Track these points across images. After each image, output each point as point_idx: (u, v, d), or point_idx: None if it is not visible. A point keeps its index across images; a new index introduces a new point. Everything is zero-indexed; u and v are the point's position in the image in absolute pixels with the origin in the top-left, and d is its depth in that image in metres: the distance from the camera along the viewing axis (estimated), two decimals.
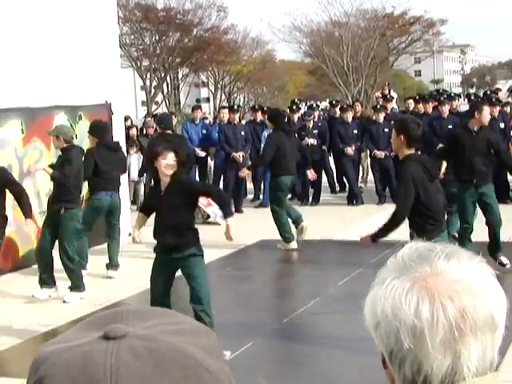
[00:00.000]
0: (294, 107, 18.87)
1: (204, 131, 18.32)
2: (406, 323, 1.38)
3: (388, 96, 20.17)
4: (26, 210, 9.54)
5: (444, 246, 1.45)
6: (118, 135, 13.87)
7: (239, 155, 17.15)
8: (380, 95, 22.08)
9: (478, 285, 1.40)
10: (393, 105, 19.57)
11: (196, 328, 1.18)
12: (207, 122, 19.23)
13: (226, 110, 18.35)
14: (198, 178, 18.42)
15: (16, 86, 11.68)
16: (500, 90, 25.95)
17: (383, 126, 17.06)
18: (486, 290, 1.40)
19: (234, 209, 16.00)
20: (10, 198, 11.46)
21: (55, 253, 9.97)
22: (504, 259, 10.55)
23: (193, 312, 7.28)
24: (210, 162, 18.51)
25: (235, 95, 62.96)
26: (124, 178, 14.31)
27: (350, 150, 17.27)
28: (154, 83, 53.96)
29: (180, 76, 61.23)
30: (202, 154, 18.14)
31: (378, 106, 17.98)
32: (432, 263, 1.42)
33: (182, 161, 7.48)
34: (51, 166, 10.33)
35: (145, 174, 17.90)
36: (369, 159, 18.19)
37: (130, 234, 13.27)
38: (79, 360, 1.09)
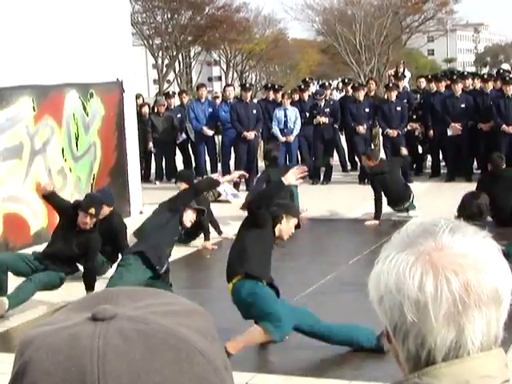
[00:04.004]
0: (303, 86, 18.89)
1: (210, 110, 18.23)
2: (409, 297, 1.38)
3: (400, 74, 20.07)
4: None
5: (449, 221, 1.45)
6: (130, 113, 13.85)
7: (250, 134, 17.10)
8: (392, 73, 21.97)
9: (483, 259, 1.39)
10: (404, 83, 19.47)
11: (190, 309, 1.13)
12: (218, 100, 19.13)
13: (231, 88, 18.38)
14: (207, 157, 18.40)
15: (28, 63, 11.65)
16: None
17: (395, 104, 16.98)
18: (491, 264, 1.39)
19: (245, 186, 16.05)
20: (19, 175, 11.47)
21: None
22: None
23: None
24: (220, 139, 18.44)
25: (247, 74, 62.84)
26: (136, 154, 14.26)
27: (362, 129, 17.20)
28: (166, 61, 53.92)
29: (192, 54, 61.16)
30: (210, 132, 18.07)
31: (391, 85, 17.90)
32: (436, 237, 1.41)
33: None
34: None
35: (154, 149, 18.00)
36: (381, 138, 18.13)
37: (141, 212, 13.28)
38: (65, 343, 1.04)
